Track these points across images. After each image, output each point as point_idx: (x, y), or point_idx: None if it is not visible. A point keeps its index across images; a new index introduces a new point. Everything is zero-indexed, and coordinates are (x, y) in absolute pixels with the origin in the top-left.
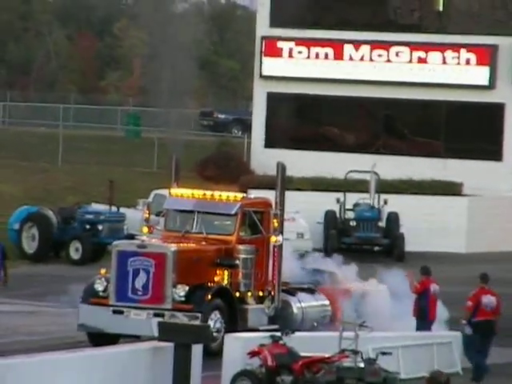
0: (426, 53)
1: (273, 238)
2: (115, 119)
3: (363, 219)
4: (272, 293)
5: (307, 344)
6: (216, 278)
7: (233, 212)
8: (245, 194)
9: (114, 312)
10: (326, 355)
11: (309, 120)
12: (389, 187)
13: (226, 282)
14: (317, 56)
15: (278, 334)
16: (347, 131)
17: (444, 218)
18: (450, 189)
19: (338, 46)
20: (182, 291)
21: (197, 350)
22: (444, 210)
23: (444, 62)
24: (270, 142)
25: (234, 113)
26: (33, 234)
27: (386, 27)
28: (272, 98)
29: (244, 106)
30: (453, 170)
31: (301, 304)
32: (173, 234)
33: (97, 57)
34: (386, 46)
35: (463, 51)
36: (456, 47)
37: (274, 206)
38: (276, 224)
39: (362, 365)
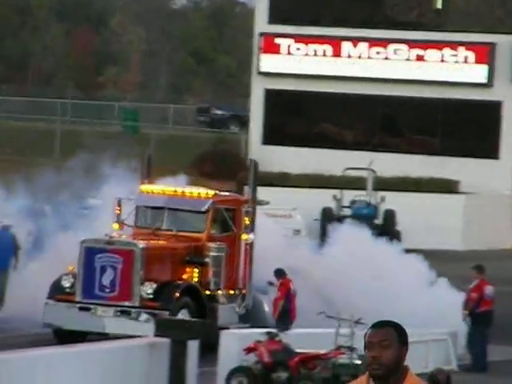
0: (425, 50)
1: (244, 236)
2: (113, 115)
3: (360, 216)
4: (243, 291)
5: (303, 340)
6: (185, 276)
7: (203, 209)
8: (217, 191)
9: (81, 309)
10: (322, 352)
11: (306, 117)
12: (386, 185)
13: (195, 279)
14: (315, 53)
15: (275, 330)
16: (345, 128)
17: (441, 216)
18: (447, 186)
19: (336, 43)
20: (149, 288)
21: (193, 346)
22: (441, 208)
23: (442, 60)
24: (268, 139)
25: (231, 109)
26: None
27: (384, 25)
28: (270, 95)
29: (241, 102)
30: (450, 168)
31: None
32: (143, 231)
33: (94, 52)
34: (384, 43)
35: (461, 49)
36: (454, 45)
37: (246, 202)
38: (248, 221)
39: (357, 361)
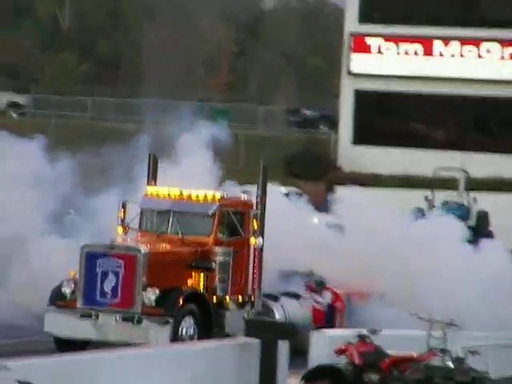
0: None
1: (252, 240)
2: (201, 115)
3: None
4: (252, 298)
5: (394, 342)
6: (190, 282)
7: (210, 212)
8: (224, 194)
9: (82, 316)
10: (414, 354)
11: (397, 117)
12: (478, 185)
13: (201, 285)
14: (406, 52)
15: (365, 331)
16: (436, 128)
17: None
18: None
19: (427, 43)
20: (152, 295)
21: (283, 347)
22: None
23: None
24: (358, 139)
25: (321, 109)
26: None
27: (476, 23)
28: (360, 95)
29: (331, 102)
30: None
31: (284, 310)
32: (148, 235)
33: (183, 52)
34: (476, 42)
35: None
36: None
37: (254, 206)
38: (256, 225)
39: (450, 364)
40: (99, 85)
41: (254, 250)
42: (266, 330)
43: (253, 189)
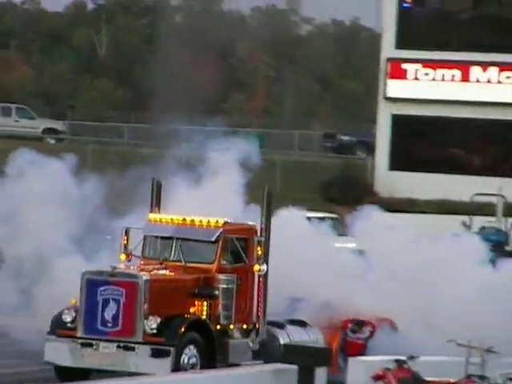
0: None
1: (256, 267)
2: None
3: (489, 242)
4: (257, 325)
5: (432, 368)
6: (193, 310)
7: (213, 239)
8: (228, 220)
9: (83, 345)
10: (452, 380)
11: (434, 142)
12: None
13: (204, 313)
14: (443, 78)
15: (403, 357)
16: (474, 154)
17: None
18: None
19: (464, 68)
20: (153, 323)
21: (321, 373)
22: None
23: None
24: (395, 165)
25: (357, 134)
26: None
27: None
28: (397, 120)
29: (368, 127)
30: None
31: (290, 338)
32: (150, 262)
33: (220, 79)
34: None
35: None
36: None
37: (258, 232)
38: (260, 252)
39: None
40: (135, 111)
41: (259, 277)
42: (304, 356)
43: (282, 213)
